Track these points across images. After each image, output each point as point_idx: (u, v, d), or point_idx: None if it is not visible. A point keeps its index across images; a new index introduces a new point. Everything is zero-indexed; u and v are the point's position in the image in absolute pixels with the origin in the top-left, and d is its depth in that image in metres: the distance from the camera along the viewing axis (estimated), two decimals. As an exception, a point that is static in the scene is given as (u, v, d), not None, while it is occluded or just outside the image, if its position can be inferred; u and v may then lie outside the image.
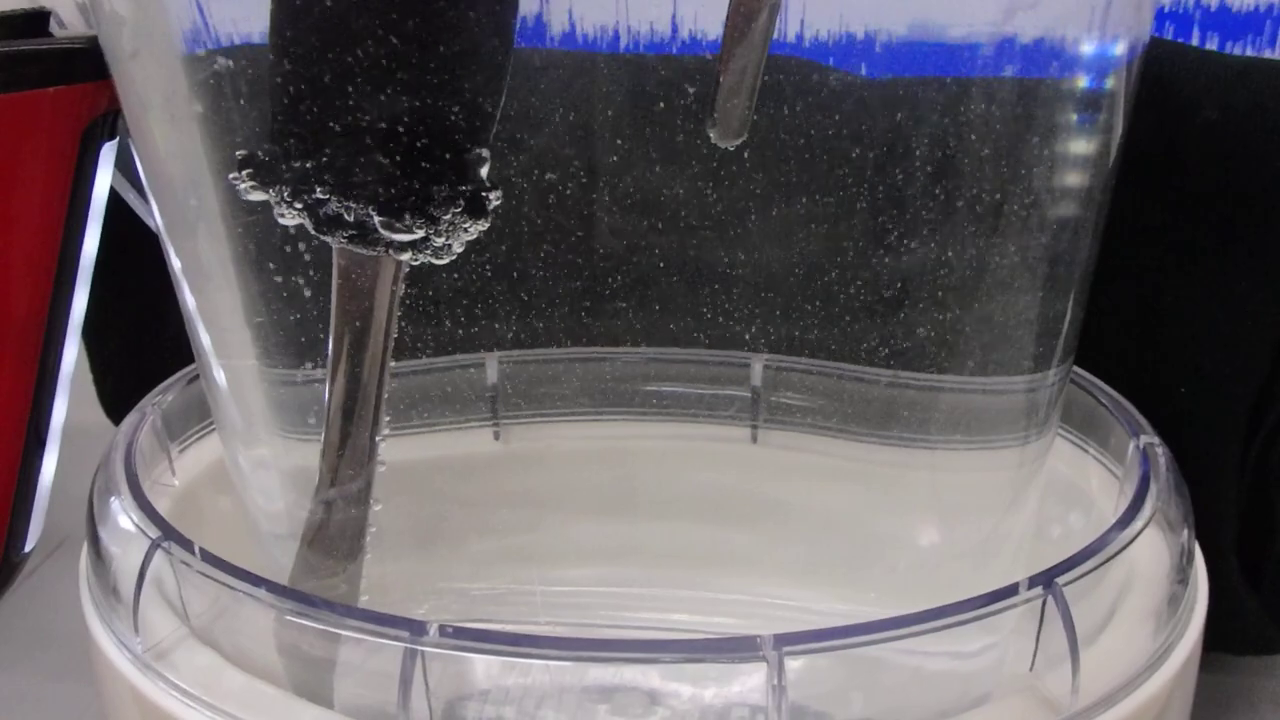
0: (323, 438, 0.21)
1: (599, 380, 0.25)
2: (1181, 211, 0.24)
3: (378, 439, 0.21)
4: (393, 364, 0.21)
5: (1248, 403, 0.25)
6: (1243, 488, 0.26)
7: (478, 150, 0.19)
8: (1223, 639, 0.29)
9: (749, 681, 0.17)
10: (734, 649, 0.17)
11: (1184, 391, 0.25)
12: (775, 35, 0.20)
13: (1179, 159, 0.24)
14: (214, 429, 0.26)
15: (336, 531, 0.22)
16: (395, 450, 0.22)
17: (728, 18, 0.20)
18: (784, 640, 0.17)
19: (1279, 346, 0.24)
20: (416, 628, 0.17)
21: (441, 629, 0.17)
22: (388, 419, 0.21)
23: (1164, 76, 0.24)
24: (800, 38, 0.21)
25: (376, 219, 0.19)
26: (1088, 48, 0.19)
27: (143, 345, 0.27)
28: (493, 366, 0.25)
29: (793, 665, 0.17)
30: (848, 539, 0.24)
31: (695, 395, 0.25)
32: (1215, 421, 0.25)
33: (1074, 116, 0.20)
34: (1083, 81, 0.20)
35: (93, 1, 0.19)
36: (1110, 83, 0.20)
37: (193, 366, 0.26)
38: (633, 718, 0.18)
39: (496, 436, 0.26)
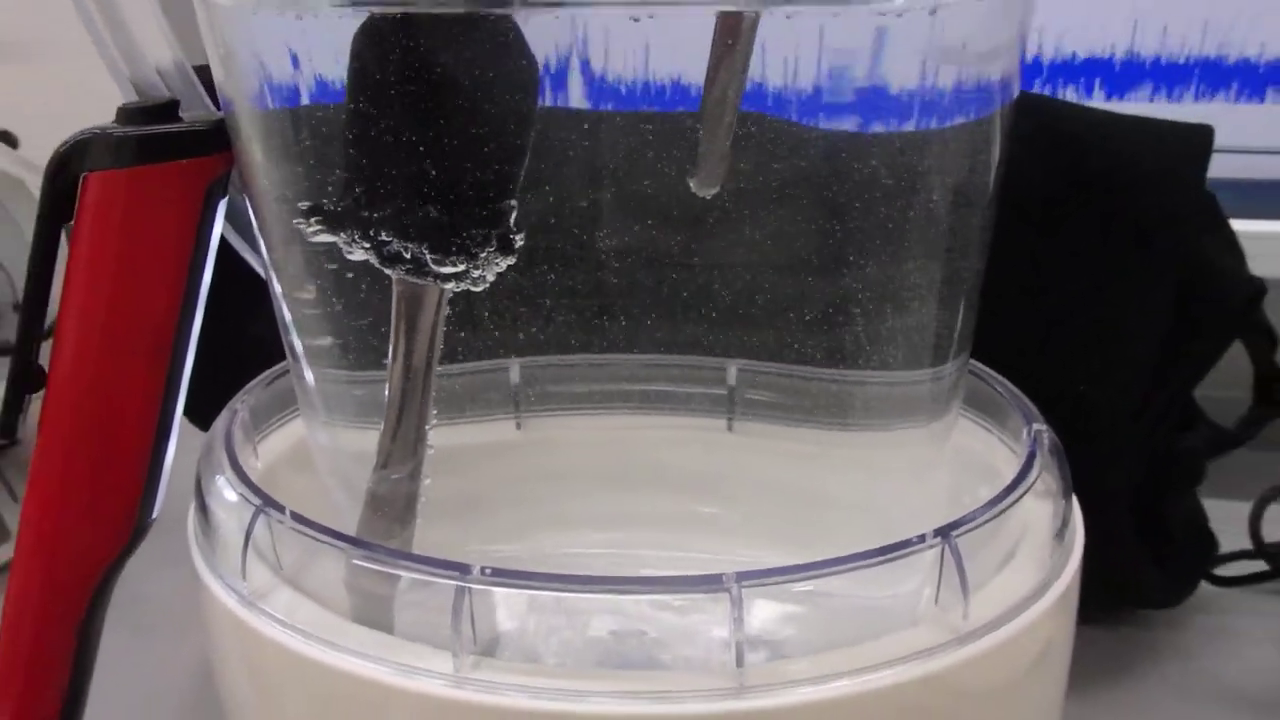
0: (383, 425, 0.26)
1: (603, 381, 0.30)
2: (1074, 240, 0.29)
3: (427, 428, 0.26)
4: (438, 368, 0.27)
5: (1138, 396, 0.30)
6: (1136, 465, 0.31)
7: (506, 201, 0.24)
8: (1124, 596, 0.34)
9: (718, 612, 0.23)
10: (705, 583, 0.22)
11: (1083, 390, 0.30)
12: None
13: (1070, 197, 0.29)
14: (287, 422, 0.32)
15: (393, 501, 0.27)
16: (439, 438, 0.27)
17: (709, 65, 0.25)
18: (744, 576, 0.22)
19: (1161, 348, 0.30)
20: (464, 568, 0.23)
21: (483, 569, 0.23)
22: (435, 412, 0.26)
23: (1058, 129, 0.29)
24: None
25: (429, 256, 0.24)
26: (968, 92, 0.25)
27: (219, 364, 0.33)
28: (515, 370, 0.31)
29: (750, 598, 0.22)
30: (802, 506, 0.29)
31: (682, 393, 0.30)
32: (1111, 407, 0.30)
33: (962, 155, 0.25)
34: (967, 124, 0.25)
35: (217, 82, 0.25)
36: (989, 126, 0.26)
37: (269, 372, 0.31)
38: (627, 642, 0.24)
39: (518, 427, 0.32)
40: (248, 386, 0.30)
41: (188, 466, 0.28)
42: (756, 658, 0.22)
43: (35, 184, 0.38)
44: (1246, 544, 0.37)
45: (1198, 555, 0.35)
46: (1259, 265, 0.31)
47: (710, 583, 0.22)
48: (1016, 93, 0.26)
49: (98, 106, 0.25)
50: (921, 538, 0.23)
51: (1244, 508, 0.37)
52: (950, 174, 0.26)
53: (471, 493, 0.30)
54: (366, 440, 0.27)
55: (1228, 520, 0.37)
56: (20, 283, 0.40)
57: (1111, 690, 0.35)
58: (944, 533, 0.23)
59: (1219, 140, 0.30)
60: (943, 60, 0.24)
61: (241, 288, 0.30)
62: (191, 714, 0.35)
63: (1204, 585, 0.37)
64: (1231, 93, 0.37)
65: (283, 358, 0.29)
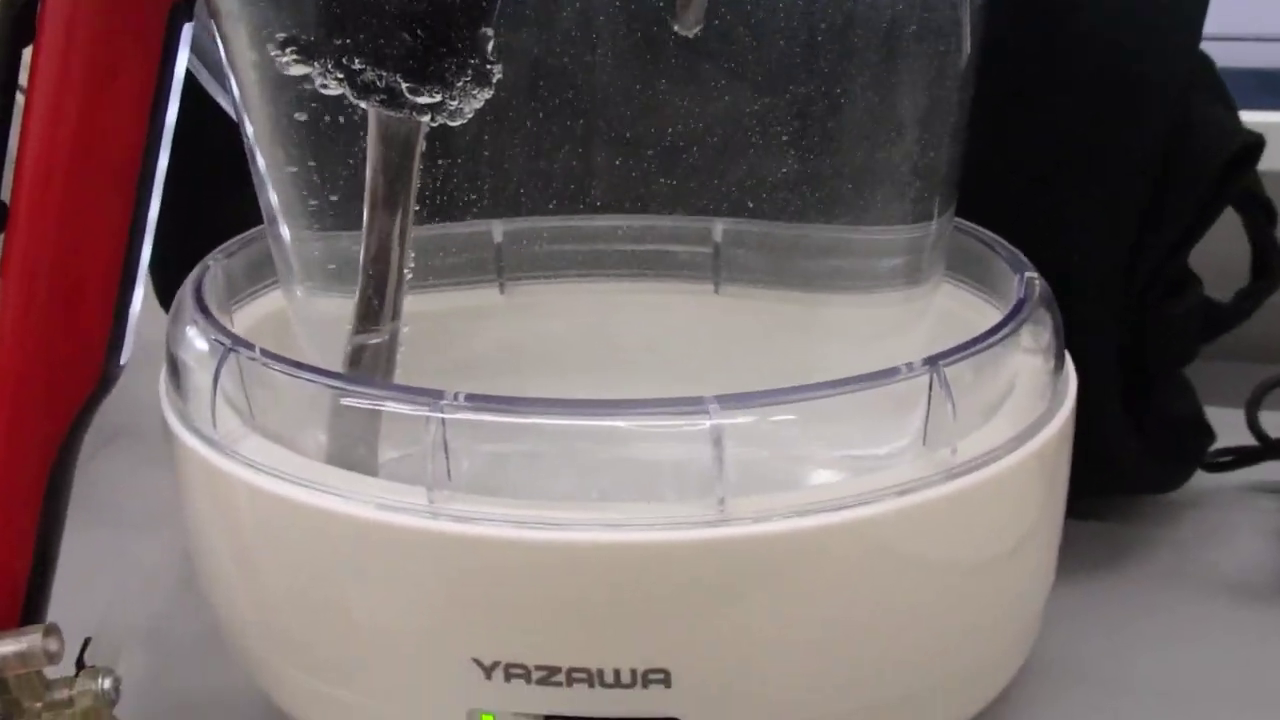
0: (360, 280, 0.26)
1: (588, 241, 0.30)
2: (1061, 100, 0.29)
3: (404, 275, 0.26)
4: (418, 229, 0.26)
5: (1122, 262, 0.30)
6: (1123, 333, 0.31)
7: (484, 29, 0.24)
8: (1111, 479, 0.34)
9: (699, 441, 0.22)
10: (685, 405, 0.22)
11: (1074, 260, 0.30)
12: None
13: (1060, 55, 0.29)
14: (264, 291, 0.31)
15: (371, 362, 0.26)
16: (420, 303, 0.27)
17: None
18: (725, 400, 0.22)
19: (1144, 216, 0.29)
20: (438, 394, 0.22)
21: (457, 395, 0.22)
22: (413, 266, 0.26)
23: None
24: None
25: (403, 85, 0.23)
26: None
27: (196, 237, 0.32)
28: (498, 230, 0.30)
29: (732, 431, 0.22)
30: (790, 370, 0.28)
31: (669, 253, 0.29)
32: (1094, 281, 0.30)
33: (931, 15, 0.25)
34: None
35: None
36: None
37: (245, 234, 0.31)
38: (607, 473, 0.23)
39: (502, 291, 0.31)
40: (222, 245, 0.30)
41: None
42: (740, 491, 0.22)
43: None
44: (1242, 443, 0.36)
45: (1192, 442, 0.34)
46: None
47: (690, 405, 0.22)
48: None
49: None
50: (910, 366, 0.23)
51: (1240, 414, 0.37)
52: (925, 31, 0.26)
53: (454, 358, 0.30)
54: (346, 304, 0.26)
55: (1224, 425, 0.36)
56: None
57: (1105, 581, 0.35)
58: (932, 361, 0.23)
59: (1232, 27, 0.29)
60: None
61: (216, 167, 0.29)
62: (171, 603, 0.35)
63: (1198, 481, 0.37)
64: None
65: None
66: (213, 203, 0.31)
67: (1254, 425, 0.33)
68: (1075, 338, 0.27)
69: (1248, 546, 0.36)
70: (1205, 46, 0.31)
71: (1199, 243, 0.32)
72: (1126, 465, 0.32)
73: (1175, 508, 0.38)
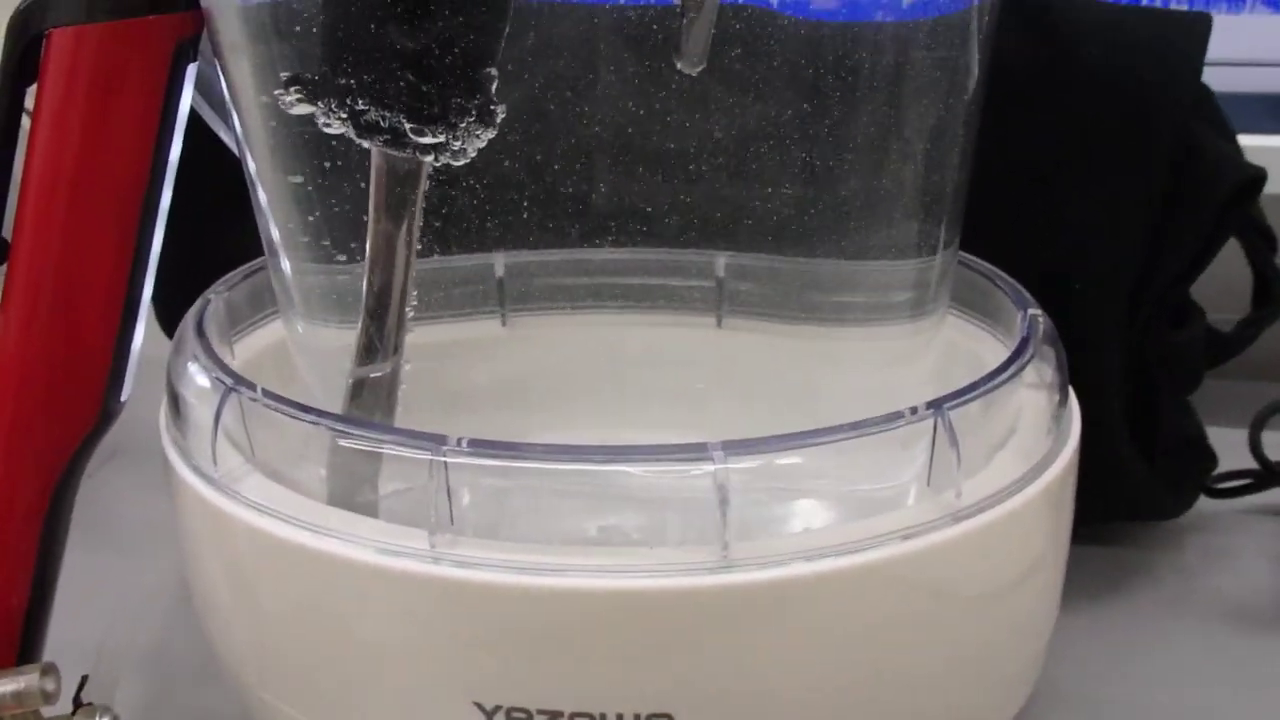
0: (362, 314, 0.26)
1: (590, 275, 0.29)
2: (1067, 131, 0.29)
3: (407, 315, 0.26)
4: (420, 262, 0.26)
5: (1127, 290, 0.30)
6: (1128, 363, 0.31)
7: (487, 70, 0.23)
8: (1116, 505, 0.34)
9: (703, 485, 0.22)
10: (689, 452, 0.22)
11: (1077, 287, 0.30)
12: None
13: (1064, 87, 0.29)
14: (265, 322, 0.31)
15: (373, 395, 0.26)
16: (422, 335, 0.27)
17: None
18: (729, 446, 0.22)
19: (1149, 243, 0.29)
20: (440, 439, 0.22)
21: (459, 440, 0.22)
22: (415, 301, 0.26)
23: (1052, 21, 0.28)
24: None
25: (407, 125, 0.23)
26: None
27: (199, 268, 0.32)
28: (500, 264, 0.30)
29: (737, 474, 0.22)
30: (792, 406, 0.28)
31: (671, 287, 0.29)
32: (1100, 308, 0.30)
33: (945, 44, 0.25)
34: (949, 14, 0.25)
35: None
36: (971, 16, 0.25)
37: (246, 266, 0.30)
38: (610, 517, 0.23)
39: (504, 323, 0.31)
40: (223, 278, 0.29)
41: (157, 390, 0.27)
42: (743, 535, 0.22)
43: None
44: (1245, 466, 0.36)
45: (1195, 467, 0.34)
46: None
47: (695, 451, 0.21)
48: None
49: None
50: (914, 410, 0.22)
51: (1242, 434, 0.37)
52: (934, 63, 0.26)
53: (456, 391, 0.29)
54: (347, 336, 0.26)
55: (1226, 446, 0.36)
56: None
57: (1109, 607, 0.35)
58: (937, 405, 0.23)
59: (1225, 52, 0.29)
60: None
61: (219, 198, 0.29)
62: (169, 627, 0.35)
63: (1201, 505, 0.37)
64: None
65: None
66: (215, 233, 0.31)
67: (1257, 451, 0.33)
68: (1081, 365, 0.27)
69: (1251, 571, 0.36)
70: (1209, 71, 0.31)
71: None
72: (1132, 491, 0.32)
73: (1178, 532, 0.38)
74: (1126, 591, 0.35)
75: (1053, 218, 0.30)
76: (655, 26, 0.27)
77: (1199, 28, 0.28)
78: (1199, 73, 0.29)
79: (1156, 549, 0.37)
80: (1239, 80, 0.37)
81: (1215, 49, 0.30)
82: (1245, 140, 0.34)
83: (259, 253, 0.29)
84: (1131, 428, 0.32)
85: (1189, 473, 0.34)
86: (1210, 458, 0.35)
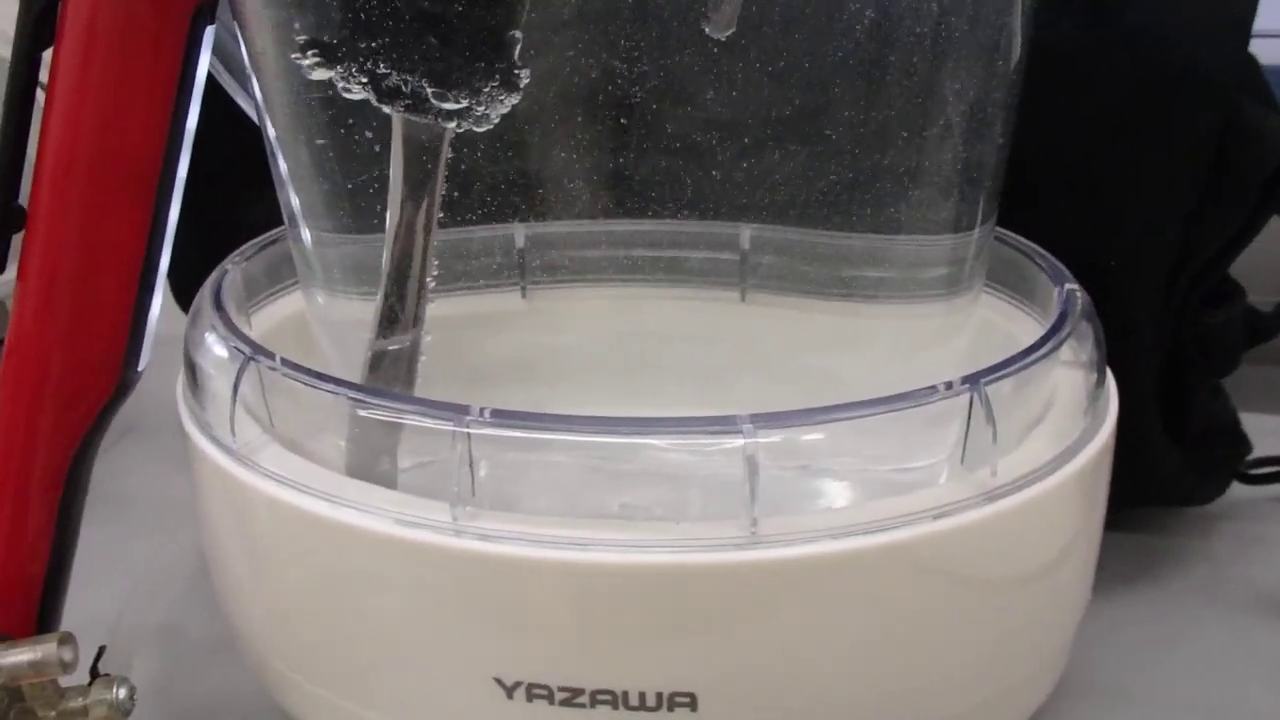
0: (382, 286, 0.25)
1: (611, 246, 0.29)
2: (1106, 103, 0.28)
3: (427, 281, 0.25)
4: (440, 232, 0.25)
5: (1165, 270, 0.29)
6: (1163, 343, 0.30)
7: (511, 32, 0.23)
8: (1147, 491, 0.33)
9: (731, 460, 0.21)
10: (717, 425, 0.21)
11: (1113, 265, 0.29)
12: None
13: (1105, 56, 0.28)
14: (283, 293, 0.31)
15: (393, 367, 0.26)
16: (442, 308, 0.26)
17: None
18: (758, 419, 0.21)
19: (1188, 220, 0.28)
20: (462, 409, 0.21)
21: (482, 410, 0.21)
22: (436, 272, 0.25)
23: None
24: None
25: (429, 90, 0.23)
26: None
27: (213, 241, 0.31)
28: (520, 235, 0.29)
29: (766, 449, 0.21)
30: (818, 385, 0.28)
31: (694, 260, 0.29)
32: (1137, 288, 0.29)
33: (984, 10, 0.24)
34: None
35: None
36: None
37: (264, 236, 0.30)
38: (635, 491, 0.22)
39: (524, 295, 0.30)
40: (240, 249, 0.29)
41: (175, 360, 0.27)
42: (772, 510, 0.21)
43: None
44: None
45: (1228, 452, 0.33)
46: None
47: (723, 424, 0.21)
48: None
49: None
50: (949, 384, 0.22)
51: (1276, 422, 0.36)
52: (971, 29, 0.25)
53: (475, 364, 0.29)
54: (366, 306, 0.26)
55: (1260, 434, 0.36)
56: None
57: (1140, 594, 0.34)
58: (973, 380, 0.22)
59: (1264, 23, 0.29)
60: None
61: (235, 170, 0.28)
62: (183, 603, 0.35)
63: (1233, 492, 0.36)
64: None
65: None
66: (232, 203, 0.31)
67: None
68: (1116, 345, 0.26)
69: (1282, 560, 0.36)
70: (1258, 43, 0.30)
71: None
72: (1163, 477, 0.31)
73: (1209, 519, 0.37)
74: (1156, 579, 0.35)
75: (1091, 194, 0.29)
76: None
77: (1245, -3, 0.27)
78: (1246, 41, 0.28)
79: (1187, 536, 0.36)
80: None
81: (1266, 20, 0.29)
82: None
83: (275, 225, 0.28)
84: (1164, 412, 0.31)
85: (1221, 459, 0.33)
86: (1244, 444, 0.34)
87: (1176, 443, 0.31)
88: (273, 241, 0.29)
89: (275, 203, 0.28)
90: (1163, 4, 0.28)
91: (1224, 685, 0.31)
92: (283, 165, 0.26)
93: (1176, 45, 0.27)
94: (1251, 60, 0.29)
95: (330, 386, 0.23)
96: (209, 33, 0.23)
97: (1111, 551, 0.35)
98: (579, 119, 0.27)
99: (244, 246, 0.29)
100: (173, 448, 0.27)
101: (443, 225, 0.27)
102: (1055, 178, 0.29)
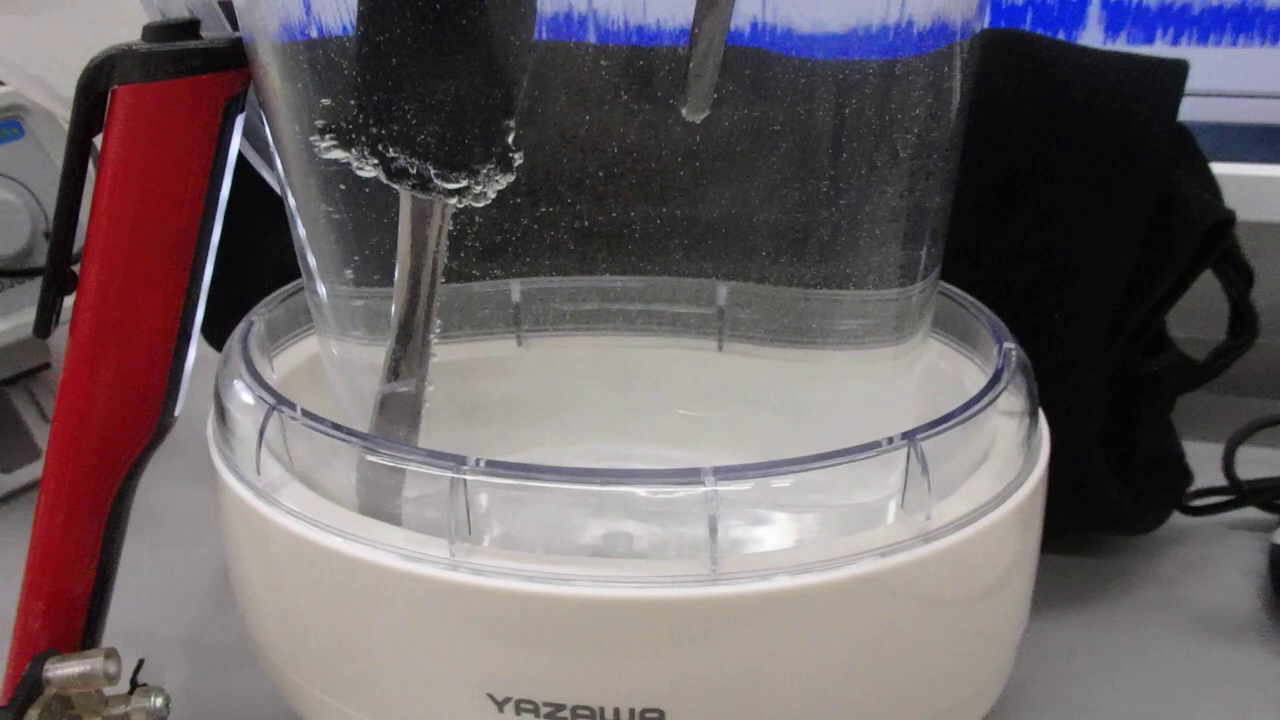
0: (390, 337, 0.28)
1: (600, 300, 0.32)
2: (1055, 166, 0.31)
3: (431, 338, 0.28)
4: (442, 286, 0.28)
5: (1107, 322, 0.32)
6: (1106, 388, 0.32)
7: (505, 122, 0.26)
8: (1093, 521, 0.36)
9: (696, 505, 0.24)
10: (684, 476, 0.24)
11: (1056, 317, 0.32)
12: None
13: (1054, 129, 0.30)
14: (300, 338, 0.34)
15: (400, 410, 0.29)
16: (445, 354, 0.29)
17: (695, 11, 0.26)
18: (720, 471, 0.24)
19: (1129, 277, 0.31)
20: (460, 459, 0.24)
21: (477, 461, 0.24)
22: (439, 324, 0.28)
23: (1042, 64, 0.30)
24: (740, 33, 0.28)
25: (433, 172, 0.26)
26: (931, 36, 0.26)
27: (237, 283, 0.34)
28: (516, 290, 0.32)
29: (726, 496, 0.24)
30: (786, 424, 0.31)
31: (675, 313, 0.31)
32: (1082, 335, 0.32)
33: (925, 85, 0.27)
34: (929, 57, 0.27)
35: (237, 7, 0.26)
36: (951, 59, 0.27)
37: (284, 289, 0.33)
38: (612, 532, 0.25)
39: (519, 343, 0.33)
40: (264, 301, 0.32)
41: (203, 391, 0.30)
42: (731, 550, 0.24)
43: (64, 116, 0.40)
44: (1221, 481, 0.38)
45: (1170, 484, 0.36)
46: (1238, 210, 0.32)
47: (688, 475, 0.24)
48: (979, 29, 0.27)
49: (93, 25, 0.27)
50: (890, 440, 0.25)
51: (1219, 449, 0.38)
52: (915, 102, 0.28)
53: (474, 406, 0.32)
54: (376, 353, 0.29)
55: (1204, 460, 0.38)
56: (47, 208, 0.42)
57: (1089, 614, 0.36)
58: (910, 436, 0.25)
59: (1197, 83, 0.31)
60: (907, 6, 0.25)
61: (255, 217, 0.31)
62: (208, 614, 0.38)
63: (1179, 518, 0.39)
64: (1192, 37, 0.38)
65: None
66: (253, 252, 0.34)
67: (1229, 474, 0.35)
68: (1063, 390, 0.28)
69: (1227, 583, 0.38)
70: (1202, 102, 0.32)
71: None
72: (1108, 508, 0.34)
73: (1158, 544, 0.39)
74: (1106, 600, 0.37)
75: (1043, 253, 0.32)
76: (664, 70, 0.29)
77: (1177, 73, 0.30)
78: (1175, 115, 0.30)
79: (1137, 559, 0.39)
80: (1229, 111, 0.39)
81: (1208, 82, 0.32)
82: (1232, 169, 0.35)
83: (292, 266, 0.31)
84: (1109, 447, 0.33)
85: (1164, 490, 0.36)
86: (1186, 476, 0.36)
87: (1120, 475, 0.34)
88: (291, 294, 0.32)
89: (292, 253, 0.31)
90: (1105, 84, 0.30)
91: (1168, 700, 0.33)
92: (301, 230, 0.29)
93: (1116, 121, 0.30)
94: (1185, 134, 0.32)
95: (344, 435, 0.26)
96: (239, 119, 0.26)
97: (1064, 574, 0.37)
98: (569, 190, 0.30)
99: (267, 299, 0.32)
100: (194, 465, 0.29)
101: (447, 281, 0.30)
102: (1011, 239, 0.31)
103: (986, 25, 0.27)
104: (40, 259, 0.41)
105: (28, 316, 0.41)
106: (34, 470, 0.45)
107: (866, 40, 0.25)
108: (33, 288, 0.42)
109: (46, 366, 0.45)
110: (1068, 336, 0.32)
